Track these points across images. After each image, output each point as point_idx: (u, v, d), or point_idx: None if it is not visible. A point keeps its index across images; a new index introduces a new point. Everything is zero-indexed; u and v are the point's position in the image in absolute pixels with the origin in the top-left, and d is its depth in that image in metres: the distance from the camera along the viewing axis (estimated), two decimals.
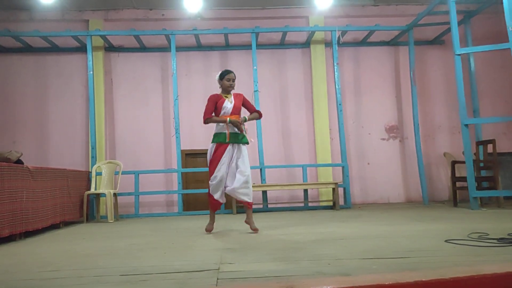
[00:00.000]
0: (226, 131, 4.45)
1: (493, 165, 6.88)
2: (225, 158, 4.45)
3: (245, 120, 4.56)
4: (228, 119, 4.43)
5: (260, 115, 4.80)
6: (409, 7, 8.93)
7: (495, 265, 2.22)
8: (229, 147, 4.47)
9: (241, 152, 4.51)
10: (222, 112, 4.50)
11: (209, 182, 4.51)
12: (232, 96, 4.62)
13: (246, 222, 4.62)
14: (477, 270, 2.00)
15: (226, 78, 4.58)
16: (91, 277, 2.54)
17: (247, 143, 4.58)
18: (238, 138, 4.50)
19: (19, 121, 8.53)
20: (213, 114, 4.57)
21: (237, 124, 4.44)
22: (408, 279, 1.89)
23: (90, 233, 5.25)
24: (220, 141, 4.46)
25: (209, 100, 4.57)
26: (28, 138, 8.48)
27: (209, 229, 4.62)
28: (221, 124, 4.48)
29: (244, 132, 4.52)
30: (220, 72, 4.66)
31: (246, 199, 4.48)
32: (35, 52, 8.68)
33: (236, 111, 4.53)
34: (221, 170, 4.45)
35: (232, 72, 4.63)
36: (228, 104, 4.51)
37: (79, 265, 2.96)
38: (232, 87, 4.60)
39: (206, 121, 4.51)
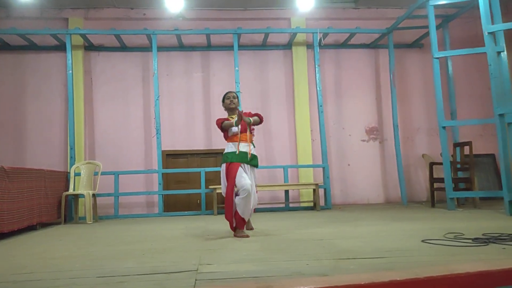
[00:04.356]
0: (237, 150, 4.34)
1: (469, 166, 7.04)
2: (242, 170, 4.30)
3: (250, 122, 4.36)
4: (234, 121, 4.33)
5: (261, 119, 4.59)
6: (389, 11, 9.06)
7: (469, 265, 2.27)
8: (241, 166, 4.32)
9: (254, 173, 4.46)
10: (231, 132, 4.44)
11: (236, 198, 4.21)
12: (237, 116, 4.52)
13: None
14: (451, 270, 2.05)
15: (226, 97, 4.61)
16: (66, 279, 2.50)
17: (257, 165, 4.49)
18: (247, 158, 4.37)
19: None
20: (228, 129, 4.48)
21: (240, 115, 4.25)
22: (383, 279, 1.92)
23: (68, 234, 5.16)
24: (230, 161, 4.34)
25: (217, 121, 4.52)
26: (4, 138, 8.30)
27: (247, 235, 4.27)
28: (230, 144, 4.41)
29: (248, 122, 4.34)
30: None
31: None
32: (13, 50, 8.51)
33: (244, 128, 4.44)
34: (246, 178, 4.24)
35: (231, 91, 4.68)
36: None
37: (55, 267, 2.91)
38: (233, 103, 4.57)
39: (222, 126, 4.41)
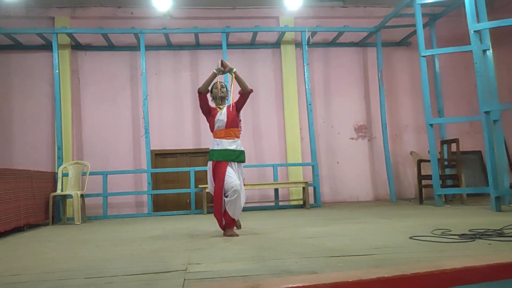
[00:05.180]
0: (220, 148, 4.22)
1: (456, 163, 7.11)
2: (230, 169, 4.20)
3: (233, 69, 4.34)
4: (214, 69, 4.32)
5: (250, 89, 4.43)
6: (376, 9, 9.11)
7: (455, 261, 2.30)
8: (228, 165, 4.20)
9: (241, 169, 4.33)
10: (216, 126, 4.30)
11: (226, 199, 4.10)
12: (225, 108, 4.40)
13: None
14: (437, 266, 2.07)
15: (214, 86, 4.46)
16: (54, 280, 2.48)
17: (244, 161, 4.35)
18: (234, 156, 4.23)
19: None
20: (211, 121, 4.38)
21: (223, 62, 4.29)
22: (371, 276, 1.94)
23: (56, 235, 5.12)
24: (217, 159, 4.21)
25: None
26: None
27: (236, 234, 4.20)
28: (217, 140, 4.28)
29: (230, 69, 4.35)
30: None
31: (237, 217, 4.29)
32: None
33: (231, 122, 4.29)
34: (234, 178, 4.13)
35: (219, 81, 4.50)
36: (221, 116, 4.29)
37: (42, 268, 2.88)
38: (222, 92, 4.46)
39: (199, 90, 4.32)
